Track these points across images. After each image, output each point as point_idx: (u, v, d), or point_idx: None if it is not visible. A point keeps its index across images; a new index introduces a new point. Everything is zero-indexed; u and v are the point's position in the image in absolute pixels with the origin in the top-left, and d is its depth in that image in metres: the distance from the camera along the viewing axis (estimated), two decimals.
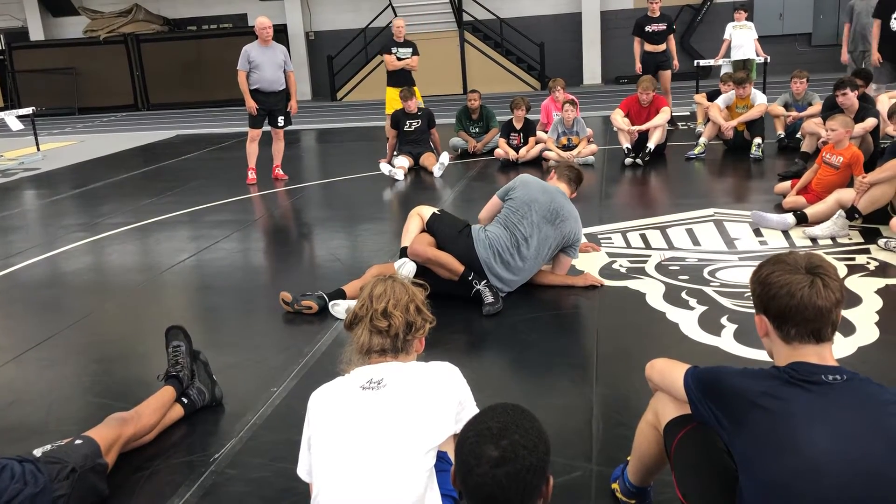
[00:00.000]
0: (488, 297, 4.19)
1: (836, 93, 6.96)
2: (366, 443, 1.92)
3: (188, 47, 19.78)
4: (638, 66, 10.44)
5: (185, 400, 3.24)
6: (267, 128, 8.41)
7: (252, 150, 8.48)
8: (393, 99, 9.15)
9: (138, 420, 2.96)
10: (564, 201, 4.45)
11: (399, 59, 9.09)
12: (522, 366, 3.61)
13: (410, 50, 9.17)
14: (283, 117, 8.39)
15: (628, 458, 2.39)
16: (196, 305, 4.86)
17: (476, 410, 2.09)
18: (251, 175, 8.51)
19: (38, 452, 2.71)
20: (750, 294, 1.88)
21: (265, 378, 3.57)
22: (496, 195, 4.61)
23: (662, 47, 10.35)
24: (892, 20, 8.12)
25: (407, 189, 7.90)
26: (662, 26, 10.30)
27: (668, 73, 10.32)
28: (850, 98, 6.83)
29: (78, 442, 2.68)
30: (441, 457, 2.01)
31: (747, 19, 11.27)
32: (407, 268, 4.29)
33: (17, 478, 2.41)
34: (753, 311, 1.88)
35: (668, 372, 2.05)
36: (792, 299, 1.75)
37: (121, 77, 19.99)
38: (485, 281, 4.26)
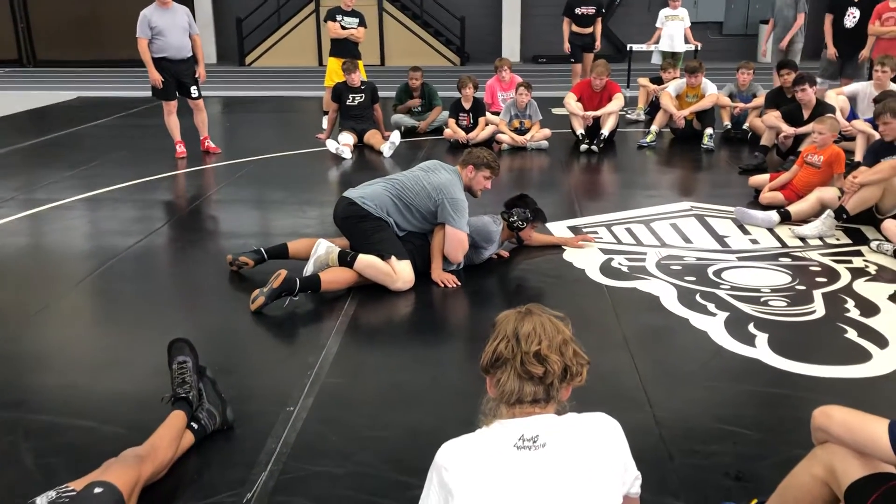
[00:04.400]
0: None
1: (794, 88, 6.99)
2: None
3: (81, 1, 18.27)
4: (566, 46, 10.51)
5: (194, 425, 2.79)
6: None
7: (172, 122, 7.75)
8: (334, 70, 8.61)
9: (155, 456, 2.51)
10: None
11: (344, 27, 8.54)
12: None
13: (357, 20, 8.62)
14: (195, 87, 7.67)
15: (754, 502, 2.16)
16: (157, 306, 4.19)
17: (637, 472, 1.81)
18: (179, 149, 7.78)
19: (42, 502, 2.23)
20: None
21: (275, 395, 3.15)
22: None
23: (590, 30, 10.47)
24: (847, 17, 8.26)
25: (355, 168, 7.44)
26: (592, 9, 10.39)
27: (592, 56, 10.35)
28: (808, 94, 6.87)
29: (98, 490, 2.21)
30: None
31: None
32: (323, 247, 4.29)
33: None
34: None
35: (861, 427, 1.81)
36: None
37: (3, 29, 18.30)
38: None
